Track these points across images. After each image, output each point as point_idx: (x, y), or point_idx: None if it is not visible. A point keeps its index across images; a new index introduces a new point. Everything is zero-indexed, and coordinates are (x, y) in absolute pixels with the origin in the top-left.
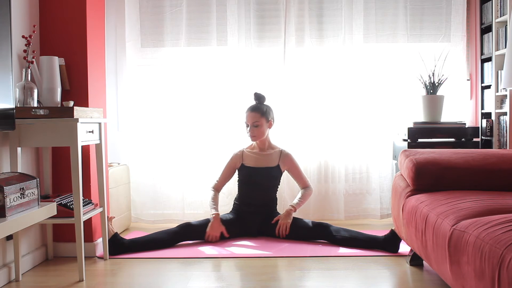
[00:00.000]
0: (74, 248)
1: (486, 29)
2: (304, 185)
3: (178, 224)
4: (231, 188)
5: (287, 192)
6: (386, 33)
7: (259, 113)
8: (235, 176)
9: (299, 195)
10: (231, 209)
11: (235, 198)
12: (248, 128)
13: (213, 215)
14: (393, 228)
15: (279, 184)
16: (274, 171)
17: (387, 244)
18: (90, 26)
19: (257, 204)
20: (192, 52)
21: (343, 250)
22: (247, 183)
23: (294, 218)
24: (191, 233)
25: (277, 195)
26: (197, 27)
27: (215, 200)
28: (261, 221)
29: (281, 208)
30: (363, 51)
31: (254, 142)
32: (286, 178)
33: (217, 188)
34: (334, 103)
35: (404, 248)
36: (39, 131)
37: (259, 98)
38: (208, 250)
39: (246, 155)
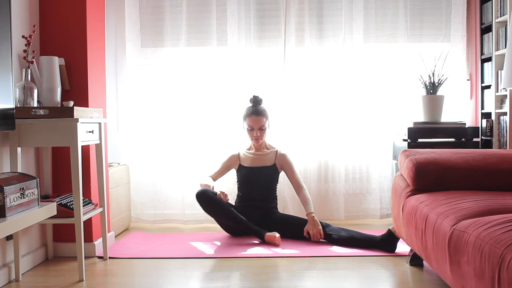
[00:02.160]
0: (74, 248)
1: (486, 29)
2: (298, 185)
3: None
4: (231, 188)
5: (287, 192)
6: (386, 33)
7: (264, 116)
8: (234, 177)
9: (304, 199)
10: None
11: (236, 200)
12: (254, 132)
13: (212, 186)
14: (390, 228)
15: (277, 183)
16: (271, 169)
17: (384, 244)
18: (90, 26)
19: (257, 201)
20: (192, 52)
21: (342, 250)
22: (246, 182)
23: (293, 216)
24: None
25: (278, 195)
26: (197, 27)
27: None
28: (262, 216)
29: (281, 208)
30: (363, 51)
31: (250, 144)
32: (286, 179)
33: (213, 179)
34: (334, 103)
35: (404, 248)
36: (39, 131)
37: (258, 101)
38: (208, 250)
39: (243, 156)
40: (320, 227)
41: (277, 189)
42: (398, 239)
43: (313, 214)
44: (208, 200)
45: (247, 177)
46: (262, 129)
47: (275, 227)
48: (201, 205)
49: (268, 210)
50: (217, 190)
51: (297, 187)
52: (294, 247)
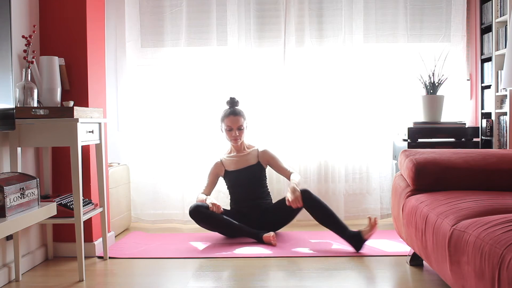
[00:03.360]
0: (74, 248)
1: (486, 29)
2: (289, 173)
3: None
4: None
5: (287, 191)
6: (386, 33)
7: (242, 116)
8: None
9: (292, 178)
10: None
11: (230, 203)
12: (232, 132)
13: (206, 199)
14: (361, 230)
15: (266, 178)
16: (256, 168)
17: (352, 240)
18: (90, 26)
19: (251, 201)
20: (192, 52)
21: (342, 250)
22: (235, 186)
23: (282, 199)
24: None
25: (278, 193)
26: (197, 27)
27: (202, 197)
28: (260, 215)
29: None
30: (363, 51)
31: (230, 147)
32: (283, 177)
33: (206, 194)
34: (334, 103)
35: (404, 248)
36: (39, 131)
37: (235, 102)
38: (208, 250)
39: (226, 161)
40: (299, 193)
41: (267, 184)
42: (365, 241)
43: (295, 184)
44: (201, 216)
45: (235, 181)
46: (240, 129)
47: (272, 220)
48: (196, 221)
49: (265, 206)
50: (209, 202)
51: (288, 175)
52: (294, 247)
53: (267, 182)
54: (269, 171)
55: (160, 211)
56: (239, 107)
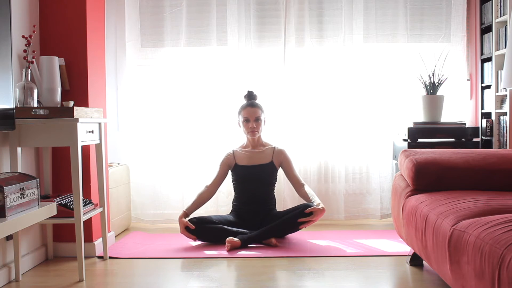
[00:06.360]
0: (74, 248)
1: (486, 29)
2: (299, 182)
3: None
4: (231, 188)
5: (287, 193)
6: (386, 33)
7: (260, 109)
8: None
9: (310, 192)
10: (230, 210)
11: (233, 200)
12: (249, 124)
13: (183, 212)
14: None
15: (275, 181)
16: (268, 167)
17: (250, 241)
18: (90, 26)
19: (255, 202)
20: (192, 52)
21: (342, 250)
22: (242, 182)
23: (288, 210)
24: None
25: (277, 194)
26: (197, 27)
27: (195, 199)
28: (261, 220)
29: (280, 207)
30: (363, 51)
31: (246, 142)
32: (286, 178)
33: (210, 188)
34: (334, 103)
35: (404, 248)
36: (39, 131)
37: (254, 96)
38: (208, 250)
39: (238, 154)
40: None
41: (275, 188)
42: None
43: (323, 205)
44: (201, 231)
45: (244, 177)
46: (257, 121)
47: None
48: (202, 239)
49: (267, 212)
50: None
51: (297, 184)
52: (293, 247)
53: (275, 185)
54: (281, 175)
55: (160, 211)
56: (258, 101)
